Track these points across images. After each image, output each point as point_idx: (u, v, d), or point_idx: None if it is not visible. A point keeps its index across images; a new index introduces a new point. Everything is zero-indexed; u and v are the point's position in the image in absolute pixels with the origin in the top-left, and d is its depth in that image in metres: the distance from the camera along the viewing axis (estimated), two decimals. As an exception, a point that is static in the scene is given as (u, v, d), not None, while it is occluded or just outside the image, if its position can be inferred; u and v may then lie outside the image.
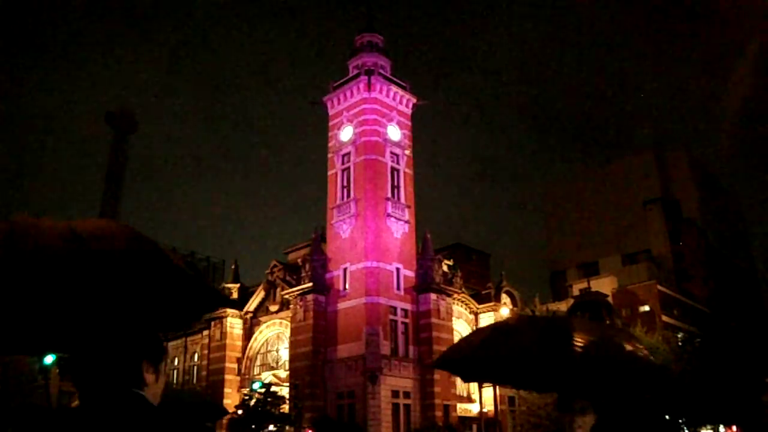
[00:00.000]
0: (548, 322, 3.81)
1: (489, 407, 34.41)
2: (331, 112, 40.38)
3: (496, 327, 3.88)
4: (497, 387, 31.92)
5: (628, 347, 3.61)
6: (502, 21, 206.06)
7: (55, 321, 2.20)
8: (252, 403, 32.32)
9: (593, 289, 58.97)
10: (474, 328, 39.38)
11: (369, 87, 38.22)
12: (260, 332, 40.63)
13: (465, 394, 37.34)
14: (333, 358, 34.39)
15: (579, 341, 3.40)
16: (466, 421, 35.56)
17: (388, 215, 36.36)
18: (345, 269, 35.92)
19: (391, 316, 34.81)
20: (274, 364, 39.84)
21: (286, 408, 33.25)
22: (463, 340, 4.01)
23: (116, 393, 2.08)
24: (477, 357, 3.66)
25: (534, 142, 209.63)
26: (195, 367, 44.27)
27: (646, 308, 59.29)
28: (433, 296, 35.81)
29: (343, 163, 38.60)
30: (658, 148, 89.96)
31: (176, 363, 46.14)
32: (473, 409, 36.21)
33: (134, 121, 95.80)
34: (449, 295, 36.92)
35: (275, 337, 40.45)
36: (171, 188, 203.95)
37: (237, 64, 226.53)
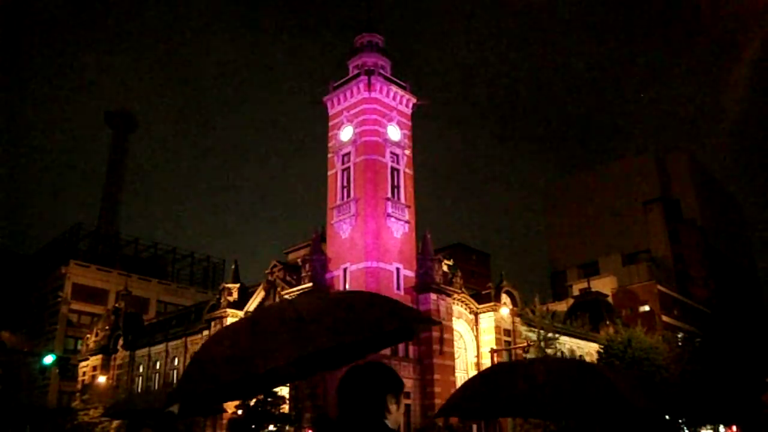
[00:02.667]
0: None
1: (489, 407, 34.39)
2: (331, 112, 40.36)
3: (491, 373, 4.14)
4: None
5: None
6: (503, 22, 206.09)
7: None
8: (252, 403, 32.31)
9: (593, 289, 59.35)
10: (474, 328, 39.32)
11: (369, 87, 38.18)
12: (260, 332, 40.56)
13: (465, 394, 37.33)
14: (333, 358, 34.35)
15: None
16: (466, 421, 35.51)
17: (388, 215, 36.34)
18: (345, 269, 35.89)
19: (391, 316, 34.78)
20: (274, 364, 39.75)
21: (286, 408, 33.23)
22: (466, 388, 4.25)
23: (365, 421, 2.66)
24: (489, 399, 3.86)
25: (535, 143, 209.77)
26: (195, 367, 44.21)
27: (646, 308, 59.35)
28: (433, 296, 35.78)
29: (343, 163, 38.57)
30: (658, 149, 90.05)
31: (176, 363, 46.12)
32: (473, 409, 36.19)
33: (134, 121, 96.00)
34: (449, 295, 36.89)
35: (275, 337, 40.44)
36: (171, 188, 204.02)
37: (237, 65, 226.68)
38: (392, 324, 3.20)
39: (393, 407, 2.76)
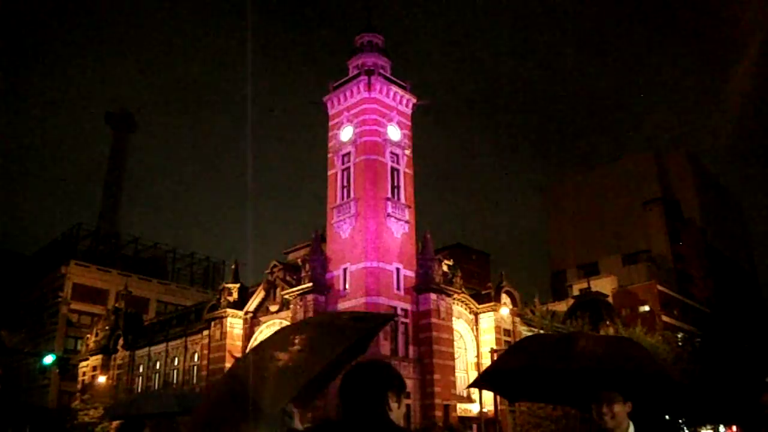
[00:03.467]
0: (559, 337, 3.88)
1: (489, 407, 34.41)
2: (331, 112, 40.37)
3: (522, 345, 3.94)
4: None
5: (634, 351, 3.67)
6: (503, 22, 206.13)
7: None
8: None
9: (593, 289, 59.36)
10: (474, 328, 39.33)
11: (369, 87, 38.19)
12: (260, 332, 40.62)
13: (465, 394, 37.33)
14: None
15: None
16: (466, 421, 35.54)
17: (388, 215, 36.34)
18: (345, 269, 35.89)
19: (391, 316, 34.77)
20: (274, 364, 39.78)
21: (286, 408, 33.22)
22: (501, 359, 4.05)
23: (369, 418, 2.69)
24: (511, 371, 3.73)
25: (535, 142, 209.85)
26: (195, 367, 44.27)
27: (646, 308, 59.34)
28: (433, 296, 35.78)
29: (343, 163, 38.57)
30: (658, 148, 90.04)
31: (176, 363, 46.14)
32: (473, 409, 36.18)
33: (134, 121, 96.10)
34: (449, 295, 36.89)
35: (275, 337, 40.44)
36: (171, 188, 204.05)
37: (237, 64, 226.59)
38: (378, 321, 3.25)
39: (394, 405, 2.77)
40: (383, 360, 3.00)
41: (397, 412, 2.76)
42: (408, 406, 33.70)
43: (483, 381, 4.13)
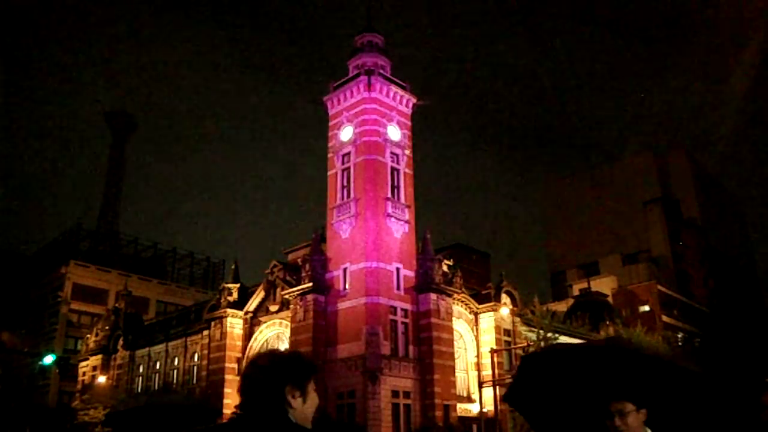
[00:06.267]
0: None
1: (489, 407, 34.42)
2: (331, 112, 40.36)
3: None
4: (497, 387, 31.91)
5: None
6: (501, 22, 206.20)
7: None
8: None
9: (593, 289, 59.42)
10: (474, 328, 39.29)
11: (369, 87, 38.18)
12: (260, 332, 40.62)
13: (465, 394, 37.35)
14: (333, 358, 34.35)
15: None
16: (466, 421, 35.54)
17: (388, 215, 36.33)
18: (345, 269, 35.88)
19: (391, 316, 34.77)
20: (274, 364, 39.75)
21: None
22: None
23: (262, 413, 2.39)
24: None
25: (535, 142, 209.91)
26: (195, 367, 44.25)
27: (646, 308, 59.35)
28: (433, 296, 35.78)
29: (343, 163, 38.57)
30: (658, 148, 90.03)
31: (176, 363, 46.13)
32: (473, 409, 36.19)
33: (134, 121, 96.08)
34: (449, 295, 36.89)
35: (275, 337, 40.45)
36: (171, 188, 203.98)
37: (238, 64, 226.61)
38: None
39: (296, 400, 2.45)
40: (297, 351, 2.73)
41: (301, 408, 2.46)
42: (408, 406, 33.69)
43: (515, 392, 3.90)
